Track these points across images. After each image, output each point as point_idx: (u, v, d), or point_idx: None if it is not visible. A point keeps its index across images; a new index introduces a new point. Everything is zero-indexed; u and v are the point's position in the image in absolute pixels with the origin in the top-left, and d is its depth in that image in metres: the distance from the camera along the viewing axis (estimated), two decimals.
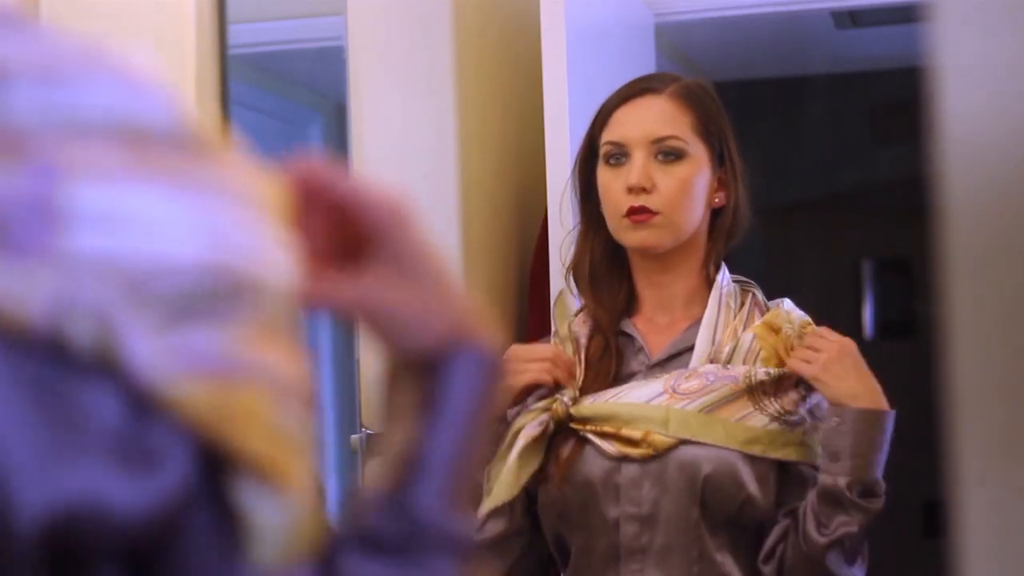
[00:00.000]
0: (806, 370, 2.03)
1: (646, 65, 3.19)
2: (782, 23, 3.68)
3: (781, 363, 2.07)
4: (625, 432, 2.03)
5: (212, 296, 0.58)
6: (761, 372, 2.04)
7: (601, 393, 2.08)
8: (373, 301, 0.75)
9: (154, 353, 0.56)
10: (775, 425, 2.02)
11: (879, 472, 2.03)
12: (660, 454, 2.02)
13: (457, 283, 0.77)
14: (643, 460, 2.03)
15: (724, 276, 2.16)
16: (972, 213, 1.09)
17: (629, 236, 2.08)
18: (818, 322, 2.19)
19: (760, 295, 2.19)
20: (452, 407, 0.74)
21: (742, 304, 2.15)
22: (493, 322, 0.78)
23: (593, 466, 2.04)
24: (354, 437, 2.38)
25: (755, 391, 2.03)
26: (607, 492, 2.04)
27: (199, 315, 0.58)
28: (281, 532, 0.61)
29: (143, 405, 0.56)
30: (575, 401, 2.08)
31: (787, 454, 2.04)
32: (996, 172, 1.10)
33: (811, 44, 4.05)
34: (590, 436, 2.05)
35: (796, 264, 5.52)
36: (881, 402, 2.04)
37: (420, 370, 0.75)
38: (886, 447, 2.04)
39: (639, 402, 2.05)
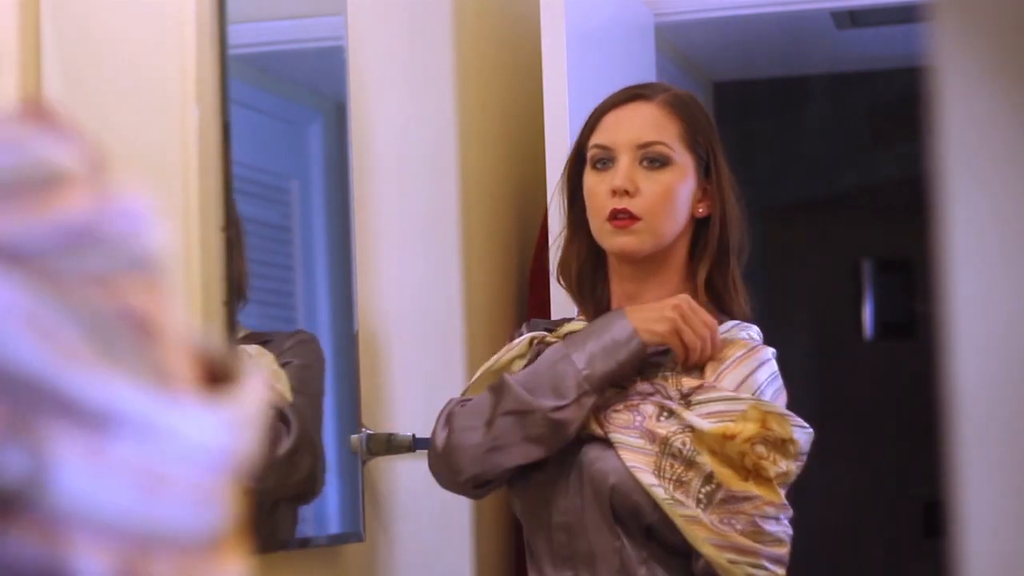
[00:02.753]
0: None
1: (646, 65, 3.19)
2: (782, 23, 3.68)
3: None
4: None
5: None
6: (676, 445, 2.00)
7: None
8: None
9: None
10: (659, 491, 1.99)
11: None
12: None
13: None
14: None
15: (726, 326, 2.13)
16: (972, 213, 1.09)
17: (610, 240, 2.10)
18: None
19: (750, 341, 2.13)
20: None
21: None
22: None
23: (532, 475, 2.09)
24: (354, 437, 2.38)
25: (663, 459, 2.01)
26: (541, 501, 2.09)
27: None
28: None
29: None
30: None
31: (661, 517, 2.01)
32: (996, 172, 1.10)
33: (811, 44, 4.05)
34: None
35: (796, 264, 5.51)
36: None
37: None
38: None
39: None
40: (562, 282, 2.24)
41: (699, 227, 2.16)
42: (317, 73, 2.48)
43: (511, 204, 2.98)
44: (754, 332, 2.13)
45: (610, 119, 2.14)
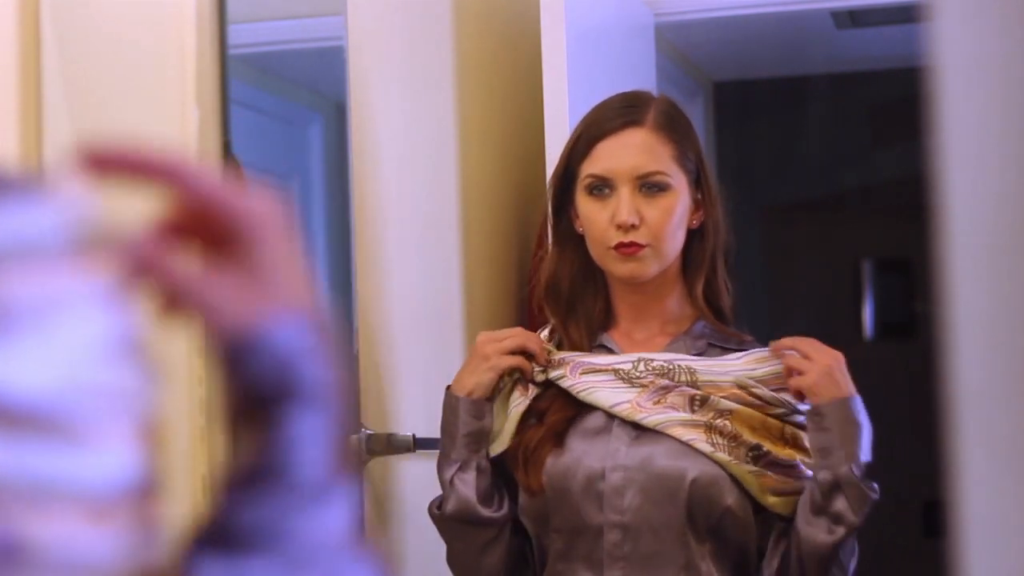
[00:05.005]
0: (801, 382, 2.06)
1: (646, 65, 3.19)
2: (782, 23, 3.68)
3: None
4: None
5: None
6: (719, 425, 2.06)
7: (577, 379, 2.14)
8: (197, 284, 0.72)
9: None
10: (721, 455, 2.04)
11: (868, 455, 2.05)
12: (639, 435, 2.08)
13: (313, 291, 0.75)
14: (627, 465, 2.07)
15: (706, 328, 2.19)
16: (972, 213, 1.09)
17: (617, 267, 2.12)
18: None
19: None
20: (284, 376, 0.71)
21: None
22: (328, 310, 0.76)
23: (576, 472, 2.08)
24: (354, 437, 2.38)
25: (712, 430, 2.06)
26: (589, 499, 2.07)
27: None
28: None
29: None
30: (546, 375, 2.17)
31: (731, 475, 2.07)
32: (996, 172, 1.10)
33: (811, 44, 4.05)
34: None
35: (796, 264, 5.51)
36: (846, 390, 2.05)
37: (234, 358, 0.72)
38: (865, 430, 2.05)
39: (605, 404, 2.11)
40: (548, 299, 2.24)
41: (691, 235, 2.19)
42: (317, 73, 2.48)
43: (511, 204, 2.98)
44: None
45: (604, 149, 2.15)
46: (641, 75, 3.15)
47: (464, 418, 2.15)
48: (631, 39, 3.14)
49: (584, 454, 2.09)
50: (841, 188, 5.60)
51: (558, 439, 2.12)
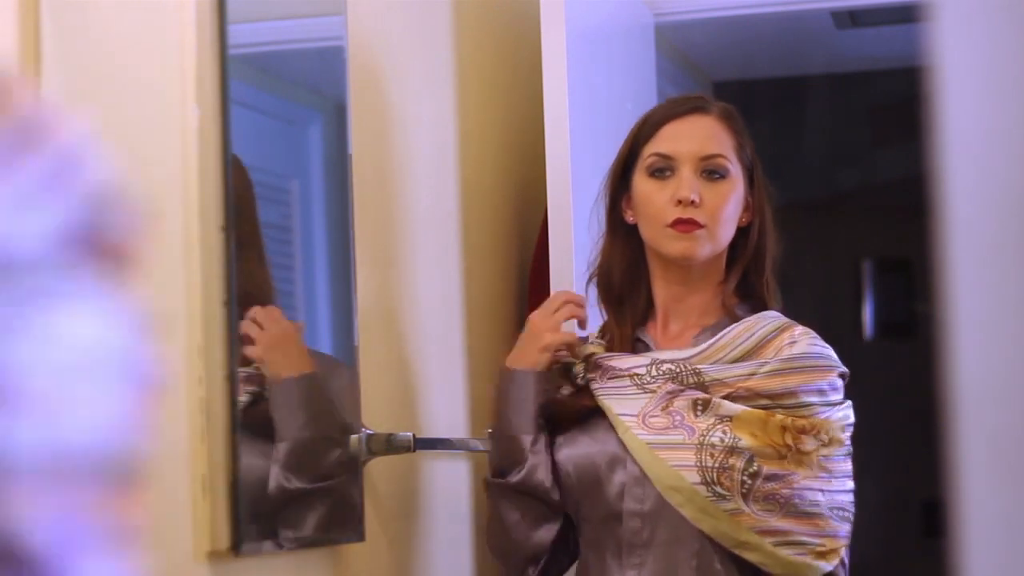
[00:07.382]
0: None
1: (646, 65, 3.19)
2: (782, 23, 3.68)
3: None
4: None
5: None
6: (716, 436, 2.06)
7: (603, 384, 2.17)
8: None
9: None
10: (702, 488, 2.05)
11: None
12: None
13: None
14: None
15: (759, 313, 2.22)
16: (972, 213, 1.09)
17: (672, 245, 2.16)
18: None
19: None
20: None
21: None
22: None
23: (600, 462, 2.13)
24: (354, 437, 2.38)
25: (702, 450, 2.07)
26: (612, 488, 2.12)
27: None
28: None
29: None
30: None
31: (697, 519, 2.07)
32: (996, 172, 1.10)
33: (811, 44, 4.05)
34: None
35: (796, 264, 5.51)
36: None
37: None
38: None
39: (612, 412, 2.15)
40: (600, 288, 2.28)
41: (737, 234, 2.24)
42: (317, 73, 2.47)
43: (511, 204, 2.98)
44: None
45: (670, 130, 2.20)
46: (641, 75, 3.15)
47: (537, 388, 2.20)
48: (631, 39, 3.14)
49: (608, 443, 2.14)
50: (841, 188, 5.60)
51: (581, 426, 2.18)
